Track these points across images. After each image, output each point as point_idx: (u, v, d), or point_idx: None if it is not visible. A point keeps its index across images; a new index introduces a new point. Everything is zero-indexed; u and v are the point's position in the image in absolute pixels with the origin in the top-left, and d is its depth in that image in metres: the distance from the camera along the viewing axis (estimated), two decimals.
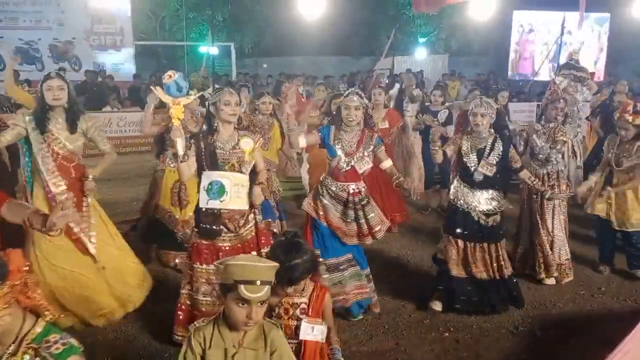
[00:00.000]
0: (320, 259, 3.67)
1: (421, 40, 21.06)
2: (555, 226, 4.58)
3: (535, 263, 4.62)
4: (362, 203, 3.75)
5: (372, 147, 3.76)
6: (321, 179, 3.86)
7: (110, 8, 12.61)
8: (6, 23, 13.85)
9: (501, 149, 3.92)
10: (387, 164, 3.86)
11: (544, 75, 16.44)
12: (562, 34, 15.16)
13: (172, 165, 4.53)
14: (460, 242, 4.00)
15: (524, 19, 18.94)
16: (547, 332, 3.84)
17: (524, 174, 4.16)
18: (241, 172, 3.33)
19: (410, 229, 6.11)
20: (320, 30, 15.03)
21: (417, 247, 5.57)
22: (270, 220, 5.35)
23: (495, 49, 20.25)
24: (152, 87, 3.40)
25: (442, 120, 6.46)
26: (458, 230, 3.98)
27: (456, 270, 3.99)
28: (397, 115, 6.40)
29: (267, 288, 2.01)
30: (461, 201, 3.99)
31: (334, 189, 3.76)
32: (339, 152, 3.72)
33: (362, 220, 3.73)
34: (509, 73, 19.24)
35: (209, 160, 3.33)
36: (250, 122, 5.17)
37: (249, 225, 3.46)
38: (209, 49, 13.73)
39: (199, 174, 3.36)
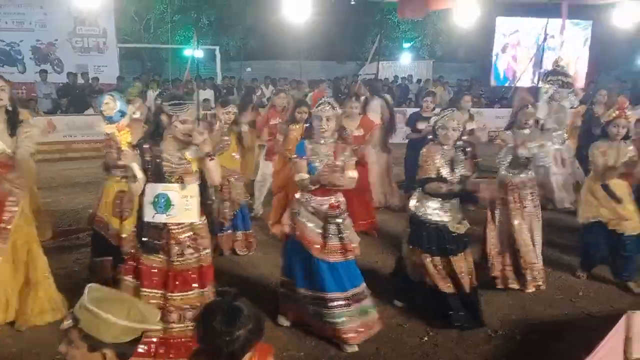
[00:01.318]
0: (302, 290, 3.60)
1: (406, 45, 21.28)
2: (525, 233, 4.52)
3: (505, 270, 4.58)
4: (342, 217, 3.63)
5: (346, 158, 3.64)
6: (297, 197, 3.69)
7: (93, 10, 12.46)
8: None
9: (463, 158, 3.92)
10: (348, 174, 3.66)
11: (526, 81, 16.63)
12: (544, 40, 15.36)
13: (115, 173, 4.29)
14: (430, 257, 3.90)
15: (506, 26, 19.16)
16: (527, 337, 3.87)
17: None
18: (189, 182, 3.16)
19: (388, 234, 6.11)
20: (306, 34, 15.04)
21: (395, 251, 5.52)
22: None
23: (479, 55, 20.47)
24: (98, 127, 3.19)
25: None
26: (427, 245, 3.89)
27: (444, 285, 3.88)
28: (371, 123, 6.39)
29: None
30: (431, 216, 3.88)
31: (315, 205, 3.60)
32: (319, 168, 3.58)
33: (345, 234, 3.60)
34: (492, 79, 19.43)
35: (154, 172, 3.13)
36: (210, 129, 5.21)
37: (197, 254, 3.25)
38: (194, 52, 13.68)
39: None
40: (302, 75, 16.90)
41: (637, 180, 5.24)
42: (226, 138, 5.23)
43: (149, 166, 3.12)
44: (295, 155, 3.68)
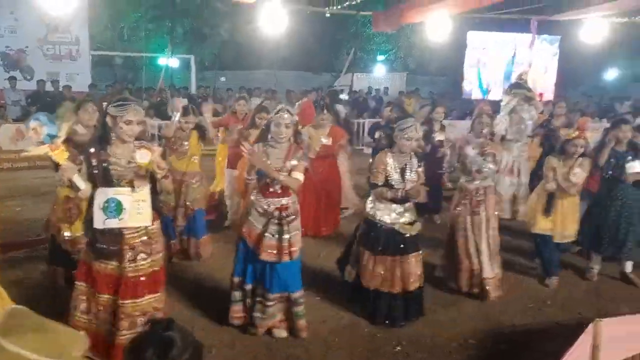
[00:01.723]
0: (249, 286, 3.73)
1: (380, 58, 21.52)
2: (483, 242, 4.60)
3: (462, 277, 4.64)
4: (289, 219, 3.68)
5: (296, 162, 3.67)
6: (251, 197, 3.76)
7: (66, 17, 12.26)
8: None
9: (417, 165, 4.06)
10: (294, 174, 3.68)
11: (497, 94, 16.98)
12: (514, 55, 15.76)
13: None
14: (380, 258, 4.02)
15: (478, 40, 19.57)
16: (498, 346, 3.92)
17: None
18: (140, 186, 3.10)
19: None
20: (281, 45, 15.12)
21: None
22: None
23: (451, 68, 20.82)
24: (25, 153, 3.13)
25: None
26: (380, 248, 4.01)
27: (380, 285, 4.04)
28: (341, 132, 6.48)
29: None
30: (383, 218, 4.01)
31: (264, 206, 3.67)
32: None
33: (286, 236, 3.64)
34: (464, 92, 19.79)
35: (101, 177, 3.07)
36: (166, 137, 5.24)
37: (150, 260, 3.21)
38: (169, 60, 13.59)
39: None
40: (277, 86, 16.94)
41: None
42: (185, 143, 5.20)
43: (96, 171, 3.06)
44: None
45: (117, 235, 3.11)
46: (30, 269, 4.91)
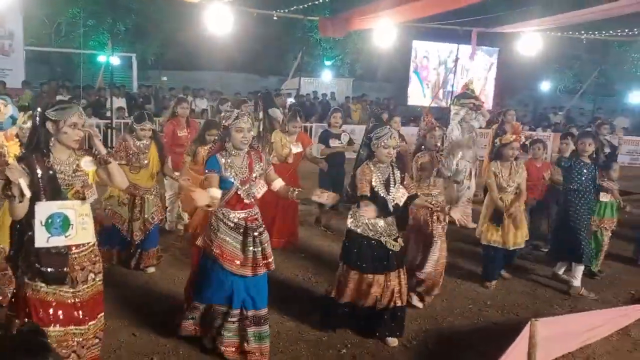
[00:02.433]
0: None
1: (327, 63, 21.67)
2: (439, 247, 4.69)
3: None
4: (260, 230, 3.56)
5: (262, 169, 3.61)
6: (215, 212, 3.51)
7: None
8: None
9: (400, 177, 3.98)
10: (277, 183, 3.72)
11: (439, 102, 17.47)
12: (455, 64, 16.25)
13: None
14: (361, 275, 3.87)
15: (421, 49, 20.11)
16: (439, 346, 4.01)
17: (421, 200, 4.30)
18: (85, 198, 2.87)
19: (309, 249, 6.14)
20: (228, 47, 14.92)
21: (312, 266, 5.56)
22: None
23: (397, 75, 21.26)
24: None
25: (345, 142, 6.65)
26: (365, 265, 3.85)
27: (346, 298, 3.95)
28: (307, 139, 6.46)
29: None
30: (366, 232, 3.86)
31: (234, 219, 3.50)
32: (235, 182, 3.46)
33: (259, 249, 3.53)
34: (408, 99, 20.25)
35: (48, 187, 2.76)
36: (119, 148, 5.01)
37: (98, 279, 2.98)
38: (109, 58, 13.12)
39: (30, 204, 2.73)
40: (222, 87, 16.71)
41: (536, 196, 5.75)
42: (143, 156, 5.04)
43: (42, 180, 2.74)
44: (207, 170, 3.48)
45: (63, 255, 2.79)
46: None
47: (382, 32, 11.99)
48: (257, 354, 3.53)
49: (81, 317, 2.89)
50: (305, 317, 4.24)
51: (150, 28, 17.77)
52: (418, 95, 20.32)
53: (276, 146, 5.98)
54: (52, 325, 2.79)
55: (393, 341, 3.93)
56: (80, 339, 2.89)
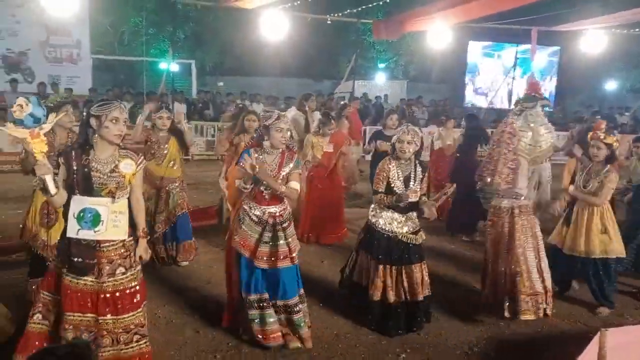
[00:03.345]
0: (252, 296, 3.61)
1: (381, 65, 21.59)
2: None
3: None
4: (284, 225, 3.65)
5: (290, 169, 3.67)
6: (243, 205, 3.67)
7: (66, 20, 12.28)
8: None
9: (421, 175, 4.04)
10: (292, 184, 3.67)
11: (498, 103, 17.06)
12: (514, 65, 15.82)
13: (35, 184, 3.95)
14: (382, 266, 3.98)
15: (478, 49, 19.69)
16: (502, 354, 3.90)
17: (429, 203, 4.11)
18: (121, 197, 2.97)
19: None
20: (282, 52, 15.17)
21: None
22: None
23: (452, 77, 20.92)
24: (1, 127, 2.77)
25: None
26: (381, 256, 3.97)
27: (382, 295, 4.00)
28: (342, 138, 6.48)
29: None
30: (386, 226, 3.99)
31: (258, 213, 3.62)
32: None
33: (282, 242, 3.62)
34: (465, 100, 19.87)
35: (81, 184, 2.89)
36: (147, 138, 5.16)
37: (129, 273, 3.05)
38: (169, 65, 13.61)
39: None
40: (278, 93, 16.96)
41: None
42: (164, 146, 5.15)
43: (76, 176, 2.89)
44: (240, 163, 3.55)
45: (92, 247, 2.94)
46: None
47: (437, 33, 11.86)
48: (296, 339, 3.70)
49: (102, 307, 3.00)
50: (362, 320, 4.22)
51: (209, 36, 18.27)
52: (474, 97, 19.92)
53: (306, 149, 6.12)
54: (70, 311, 2.94)
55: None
56: (110, 327, 3.01)
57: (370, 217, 4.12)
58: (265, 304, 3.64)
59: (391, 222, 4.00)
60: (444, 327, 4.24)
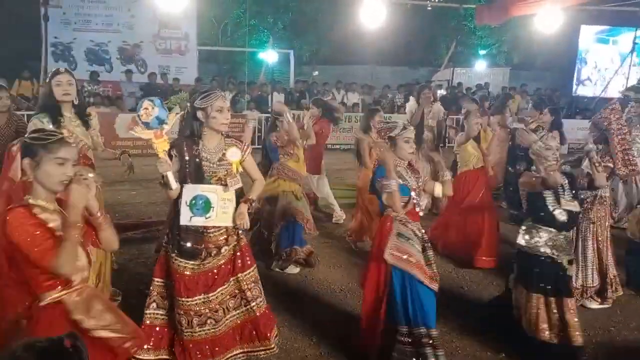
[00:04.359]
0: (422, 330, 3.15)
1: (482, 52, 20.69)
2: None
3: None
4: (429, 245, 3.37)
5: (420, 180, 3.45)
6: (395, 219, 3.27)
7: (177, 14, 13.00)
8: (79, 25, 14.52)
9: (568, 187, 3.49)
10: (436, 189, 3.52)
11: (613, 92, 15.76)
12: (632, 50, 14.48)
13: None
14: (542, 299, 3.42)
15: (591, 35, 18.25)
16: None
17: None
18: (232, 184, 3.06)
19: None
20: (378, 40, 15.01)
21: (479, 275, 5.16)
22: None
23: (559, 63, 19.59)
24: (131, 130, 2.96)
25: None
26: (542, 284, 3.41)
27: (549, 336, 3.42)
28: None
29: None
30: (547, 249, 3.42)
31: (414, 229, 3.29)
32: (411, 192, 3.29)
33: (433, 262, 3.35)
34: (574, 89, 18.54)
35: (193, 174, 3.03)
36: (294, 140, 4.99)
37: (229, 246, 3.17)
38: (269, 55, 13.92)
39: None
40: (373, 81, 16.86)
41: None
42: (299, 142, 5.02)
43: (188, 166, 3.03)
44: (386, 183, 3.20)
45: (201, 234, 3.06)
46: (144, 248, 5.29)
47: (546, 17, 11.15)
48: None
49: (220, 279, 3.14)
50: (455, 327, 4.02)
51: (306, 25, 18.51)
52: (586, 85, 18.53)
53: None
54: (180, 296, 3.06)
55: None
56: (214, 305, 3.11)
57: (522, 242, 3.56)
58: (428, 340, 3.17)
59: (548, 244, 3.48)
60: None
